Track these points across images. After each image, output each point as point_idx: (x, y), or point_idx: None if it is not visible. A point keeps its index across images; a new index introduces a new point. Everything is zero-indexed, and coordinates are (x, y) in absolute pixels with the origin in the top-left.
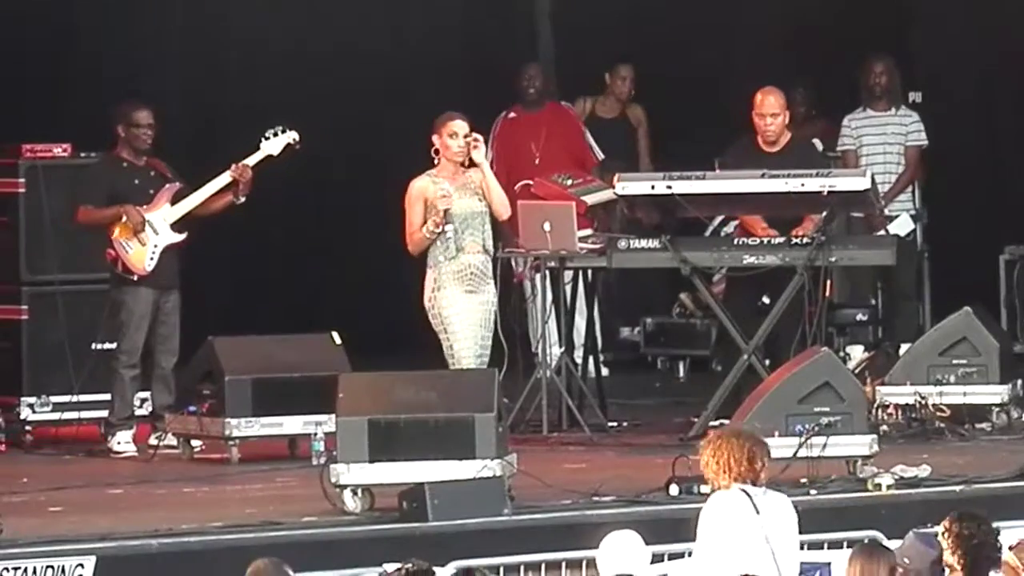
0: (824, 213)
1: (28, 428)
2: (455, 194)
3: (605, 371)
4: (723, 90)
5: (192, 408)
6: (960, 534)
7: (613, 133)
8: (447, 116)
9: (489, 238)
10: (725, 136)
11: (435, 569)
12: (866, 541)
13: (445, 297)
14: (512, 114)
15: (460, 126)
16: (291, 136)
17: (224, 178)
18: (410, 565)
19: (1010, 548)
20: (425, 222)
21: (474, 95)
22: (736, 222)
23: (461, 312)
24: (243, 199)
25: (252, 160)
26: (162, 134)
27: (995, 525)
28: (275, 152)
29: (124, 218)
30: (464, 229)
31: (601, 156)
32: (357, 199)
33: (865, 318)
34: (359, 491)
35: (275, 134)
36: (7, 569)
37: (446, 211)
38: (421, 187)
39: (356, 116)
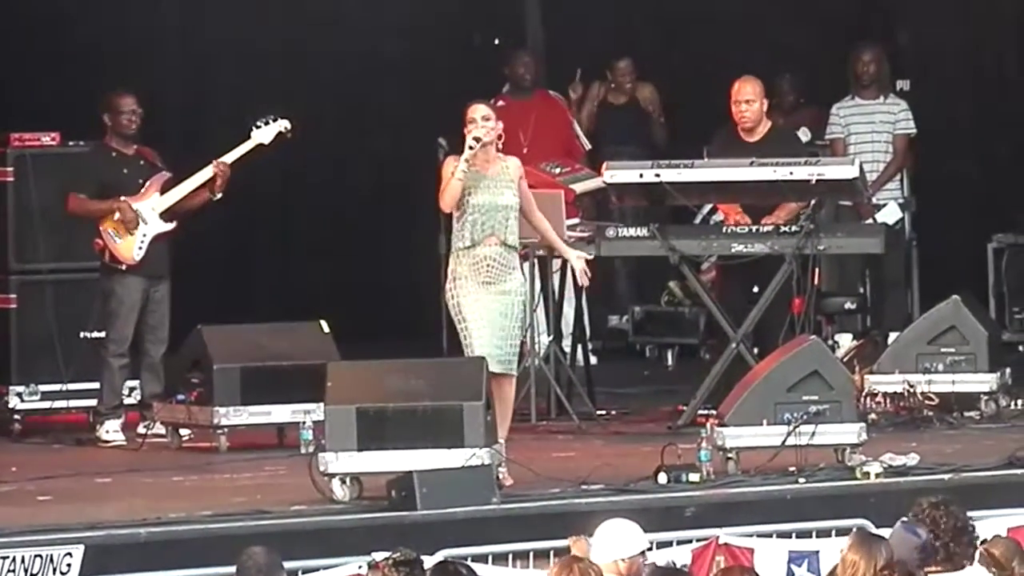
0: (811, 201)
1: (16, 417)
2: (482, 184)
3: (593, 359)
4: (712, 77)
5: (181, 397)
6: (934, 519)
7: (624, 119)
8: (470, 104)
9: (513, 233)
10: (713, 123)
11: (423, 558)
12: (856, 529)
13: (461, 287)
14: (500, 102)
15: (474, 110)
16: (282, 125)
17: (206, 172)
18: (397, 555)
19: (982, 543)
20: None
21: (462, 82)
22: None
23: (478, 302)
24: (219, 196)
25: (242, 149)
26: (153, 124)
27: (982, 513)
28: (266, 141)
29: (117, 215)
30: (484, 221)
31: (588, 146)
32: (346, 187)
33: (854, 306)
34: (347, 480)
35: (266, 123)
36: None
37: (475, 139)
38: (453, 161)
39: (343, 104)
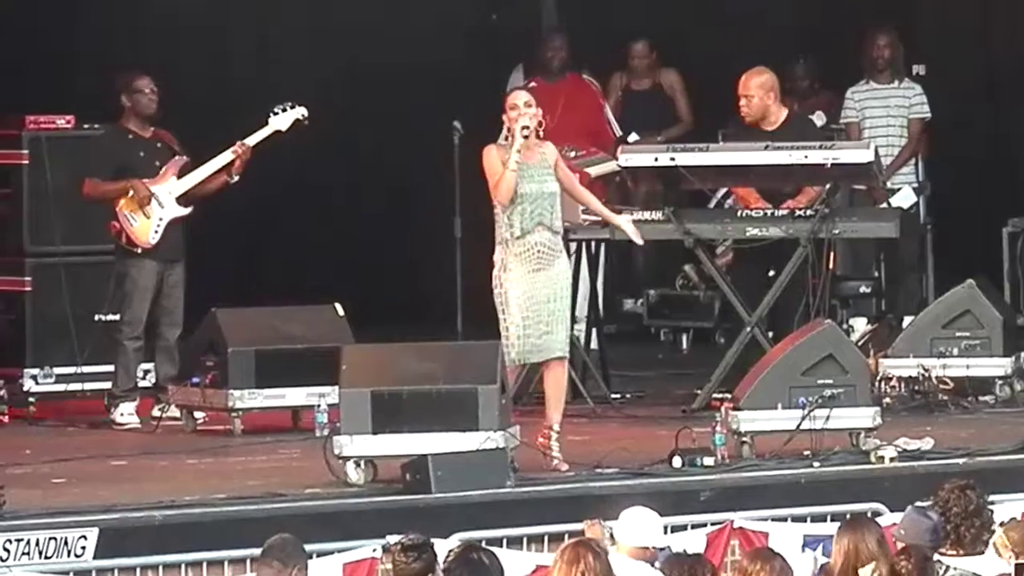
0: (827, 186)
1: (31, 399)
2: (527, 173)
3: (608, 343)
4: (728, 63)
5: (195, 380)
6: (946, 501)
7: (647, 105)
8: (511, 91)
9: (558, 218)
10: (729, 107)
11: (437, 541)
12: (848, 517)
13: (509, 279)
14: (532, 84)
15: (516, 96)
16: (299, 112)
17: (227, 155)
18: (406, 539)
19: (1001, 524)
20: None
21: (474, 64)
22: None
23: (525, 293)
24: (236, 178)
25: (260, 135)
26: (168, 109)
27: (997, 497)
28: (283, 127)
29: (131, 193)
30: (533, 210)
31: (619, 132)
32: (362, 172)
33: (868, 290)
34: (362, 463)
35: (283, 110)
36: (10, 541)
37: (524, 128)
38: (496, 150)
39: (361, 90)
